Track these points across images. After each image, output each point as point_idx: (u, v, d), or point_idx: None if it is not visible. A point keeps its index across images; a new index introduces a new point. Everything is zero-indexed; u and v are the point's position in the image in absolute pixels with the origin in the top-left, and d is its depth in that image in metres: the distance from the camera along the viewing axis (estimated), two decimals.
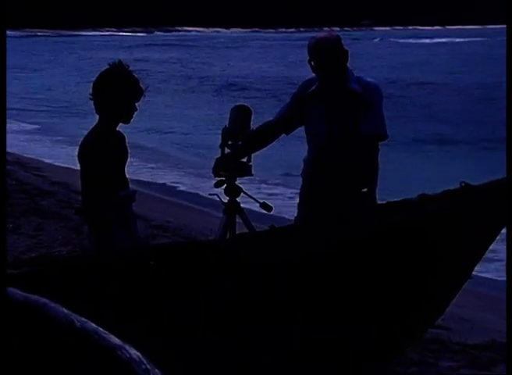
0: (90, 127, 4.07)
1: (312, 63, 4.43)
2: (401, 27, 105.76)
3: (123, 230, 3.96)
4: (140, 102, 4.04)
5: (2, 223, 2.45)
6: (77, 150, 4.02)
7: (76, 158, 4.01)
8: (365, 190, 4.34)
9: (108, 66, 4.02)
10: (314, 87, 4.52)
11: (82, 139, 4.05)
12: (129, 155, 4.11)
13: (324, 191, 4.48)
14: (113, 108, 3.96)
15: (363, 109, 4.38)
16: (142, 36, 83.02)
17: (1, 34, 2.70)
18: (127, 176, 4.11)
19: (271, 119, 4.72)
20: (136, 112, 4.04)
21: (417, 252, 3.23)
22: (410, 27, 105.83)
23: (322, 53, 4.37)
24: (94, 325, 2.06)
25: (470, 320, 6.02)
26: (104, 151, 3.93)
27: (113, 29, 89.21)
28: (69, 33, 79.35)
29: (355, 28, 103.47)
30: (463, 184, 3.41)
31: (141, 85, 4.02)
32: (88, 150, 3.96)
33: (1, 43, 2.68)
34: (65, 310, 2.06)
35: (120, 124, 4.05)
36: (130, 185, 4.13)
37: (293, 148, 8.11)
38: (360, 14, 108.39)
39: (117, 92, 3.94)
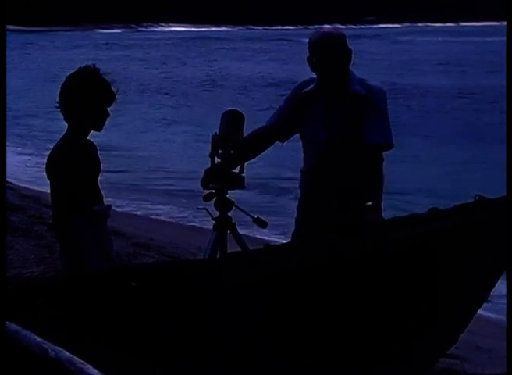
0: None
1: (313, 60, 4.43)
2: (409, 24, 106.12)
3: (98, 248, 3.96)
4: (111, 107, 4.05)
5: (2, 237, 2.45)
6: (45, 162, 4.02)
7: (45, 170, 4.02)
8: (369, 203, 4.35)
9: (76, 69, 4.03)
10: (311, 86, 4.53)
11: (50, 150, 4.05)
12: (101, 167, 4.11)
13: (324, 204, 4.49)
14: (84, 114, 3.97)
15: (367, 115, 4.39)
16: (121, 33, 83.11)
17: (1, 34, 2.73)
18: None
19: (264, 124, 4.73)
20: (108, 118, 4.05)
21: (426, 272, 3.24)
22: (420, 24, 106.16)
23: (325, 50, 4.37)
24: (69, 354, 2.06)
25: (487, 349, 6.02)
26: (74, 162, 3.93)
27: (89, 24, 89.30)
28: (37, 29, 79.25)
29: (358, 25, 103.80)
30: (477, 198, 3.42)
31: (113, 88, 4.02)
32: (57, 162, 3.96)
33: (1, 42, 2.71)
34: (38, 338, 2.06)
35: (92, 132, 4.06)
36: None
37: None
38: (364, 10, 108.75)
39: (87, 97, 3.94)
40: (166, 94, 30.50)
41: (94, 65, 4.03)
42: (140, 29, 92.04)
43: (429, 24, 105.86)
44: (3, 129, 2.91)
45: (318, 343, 3.08)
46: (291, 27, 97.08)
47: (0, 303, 2.20)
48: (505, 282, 3.43)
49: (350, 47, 4.46)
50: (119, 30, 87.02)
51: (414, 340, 3.33)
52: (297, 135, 4.67)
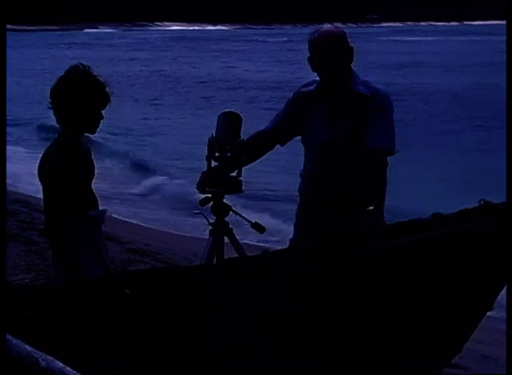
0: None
1: (314, 60, 4.43)
2: (412, 23, 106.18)
3: (92, 254, 3.96)
4: (106, 109, 4.05)
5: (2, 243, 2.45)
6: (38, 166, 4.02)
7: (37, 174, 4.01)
8: (371, 208, 4.35)
9: (68, 69, 4.02)
10: (312, 87, 4.53)
11: (42, 153, 4.05)
12: (96, 170, 4.12)
13: (323, 208, 4.49)
14: (77, 117, 3.96)
15: (370, 118, 4.39)
16: (116, 32, 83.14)
17: (1, 34, 2.75)
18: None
19: (263, 128, 4.73)
20: (102, 121, 4.05)
21: (429, 279, 3.24)
22: (423, 23, 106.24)
23: (325, 49, 4.37)
24: (61, 364, 2.06)
25: (493, 359, 6.02)
26: (68, 166, 3.93)
27: (83, 24, 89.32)
28: (27, 28, 79.24)
29: (360, 24, 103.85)
30: (482, 202, 3.42)
31: (107, 90, 4.02)
32: (50, 166, 3.95)
33: (1, 42, 2.73)
34: (29, 347, 2.06)
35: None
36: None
37: None
38: (366, 8, 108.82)
39: (81, 98, 3.93)
40: (157, 97, 30.54)
41: (86, 65, 4.02)
42: (133, 28, 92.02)
43: (433, 23, 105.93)
44: (3, 129, 2.93)
45: (313, 346, 3.10)
46: (290, 26, 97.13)
47: (0, 312, 2.20)
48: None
49: (351, 44, 4.46)
50: (111, 30, 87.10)
51: (415, 345, 3.34)
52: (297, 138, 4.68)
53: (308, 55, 4.47)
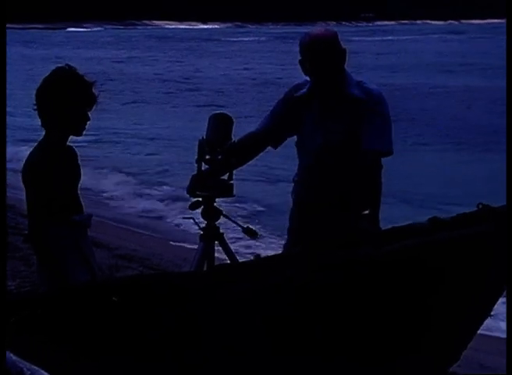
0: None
1: (306, 65, 4.44)
2: (407, 21, 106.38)
3: (77, 258, 3.96)
4: (92, 111, 4.05)
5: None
6: (21, 169, 4.01)
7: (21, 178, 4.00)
8: (366, 212, 4.35)
9: (53, 70, 4.02)
10: (304, 90, 4.54)
11: (27, 156, 4.04)
12: (81, 174, 4.11)
13: (318, 213, 4.50)
14: (62, 118, 3.96)
15: (366, 120, 4.40)
16: (103, 30, 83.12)
17: (1, 34, 2.76)
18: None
19: (254, 129, 4.73)
20: (88, 123, 4.05)
21: (426, 282, 3.25)
22: (418, 22, 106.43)
23: (316, 50, 4.39)
24: (46, 374, 2.06)
25: (491, 367, 6.03)
26: (52, 169, 3.92)
27: (69, 22, 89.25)
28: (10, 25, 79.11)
29: (354, 22, 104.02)
30: (480, 206, 3.43)
31: (94, 91, 4.02)
32: (33, 170, 3.95)
33: (1, 42, 2.74)
34: (14, 356, 2.06)
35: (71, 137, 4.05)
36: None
37: None
38: (360, 7, 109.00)
39: (65, 100, 3.93)
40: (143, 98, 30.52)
41: (71, 66, 4.02)
42: (121, 27, 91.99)
43: (429, 21, 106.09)
44: (3, 128, 2.94)
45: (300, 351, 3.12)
46: (283, 25, 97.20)
47: (0, 316, 2.20)
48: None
49: (343, 46, 4.47)
50: (98, 28, 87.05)
51: (412, 346, 3.35)
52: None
53: (299, 57, 4.48)
